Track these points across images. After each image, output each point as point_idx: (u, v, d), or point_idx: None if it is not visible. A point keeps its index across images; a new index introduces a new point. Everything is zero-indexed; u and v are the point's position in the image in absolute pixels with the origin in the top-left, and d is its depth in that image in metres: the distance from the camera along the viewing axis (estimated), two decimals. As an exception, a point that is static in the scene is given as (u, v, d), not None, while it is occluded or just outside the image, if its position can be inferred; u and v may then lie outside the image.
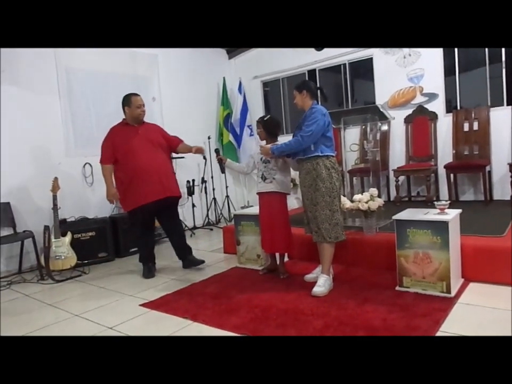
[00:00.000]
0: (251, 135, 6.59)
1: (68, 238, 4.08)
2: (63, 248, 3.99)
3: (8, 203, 4.17)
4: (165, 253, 4.64)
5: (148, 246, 3.89)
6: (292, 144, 2.96)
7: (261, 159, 3.34)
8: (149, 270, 3.79)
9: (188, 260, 3.89)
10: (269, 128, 3.34)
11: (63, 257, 3.96)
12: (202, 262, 3.84)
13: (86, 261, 4.24)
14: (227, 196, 6.51)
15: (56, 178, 4.12)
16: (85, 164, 4.88)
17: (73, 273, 3.99)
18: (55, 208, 4.04)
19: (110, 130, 3.71)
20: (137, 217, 3.69)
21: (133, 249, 4.75)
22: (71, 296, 3.41)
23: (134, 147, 3.55)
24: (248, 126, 6.57)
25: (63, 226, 4.19)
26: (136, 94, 3.69)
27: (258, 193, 3.39)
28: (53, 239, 3.98)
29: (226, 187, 6.46)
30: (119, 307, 3.04)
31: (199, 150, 3.73)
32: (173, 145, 3.81)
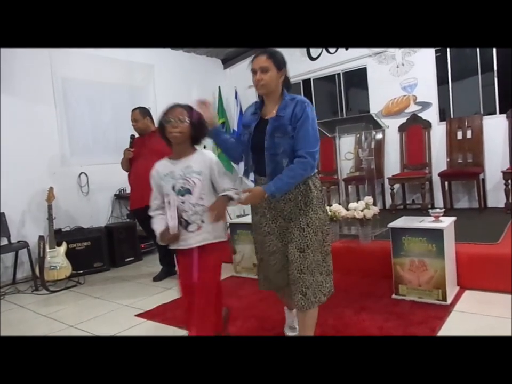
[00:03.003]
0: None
1: (63, 248, 4.06)
2: (58, 258, 3.97)
3: (3, 213, 4.15)
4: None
5: (159, 250, 4.10)
6: (300, 173, 1.91)
7: (174, 187, 1.97)
8: (160, 273, 4.00)
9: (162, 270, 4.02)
10: (201, 130, 2.02)
11: (58, 267, 3.94)
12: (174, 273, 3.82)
13: (81, 271, 4.21)
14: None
15: (51, 188, 4.11)
16: (81, 173, 4.87)
17: (68, 284, 3.97)
18: (50, 218, 4.02)
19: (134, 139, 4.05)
20: (138, 220, 4.21)
21: (128, 259, 4.75)
22: (66, 306, 3.39)
23: (136, 155, 3.83)
24: None
25: (58, 236, 4.17)
26: (133, 110, 3.93)
27: (177, 250, 2.05)
28: (47, 249, 3.96)
29: (222, 196, 6.46)
30: (114, 317, 3.02)
31: None
32: None
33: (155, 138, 3.76)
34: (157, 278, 3.94)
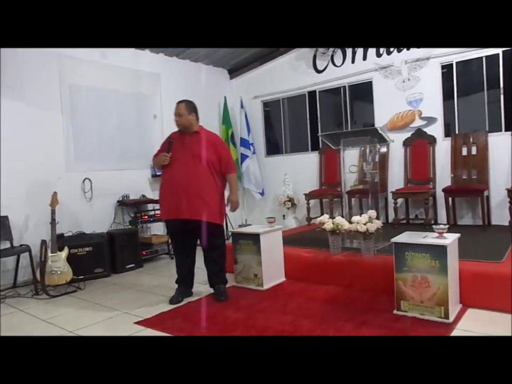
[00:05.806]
0: (254, 153, 6.68)
1: (64, 253, 4.05)
2: (59, 263, 3.96)
3: (6, 216, 4.16)
4: (162, 270, 4.62)
5: (180, 268, 3.51)
6: None
7: None
8: (176, 294, 3.46)
9: (215, 289, 3.51)
10: None
11: (59, 272, 3.93)
12: (226, 299, 3.40)
13: (82, 277, 4.20)
14: (225, 214, 6.50)
15: (55, 193, 4.12)
16: (85, 179, 4.89)
17: (68, 289, 3.96)
18: (53, 222, 4.03)
19: (170, 134, 3.57)
20: (168, 231, 3.66)
21: (129, 265, 4.73)
22: (66, 312, 3.37)
23: (175, 155, 3.34)
24: (251, 144, 6.66)
25: (60, 241, 4.17)
26: (179, 102, 3.45)
27: None
28: (49, 254, 3.95)
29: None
30: (113, 324, 3.01)
31: (234, 206, 3.73)
32: (222, 169, 3.44)
33: (198, 140, 3.37)
34: (174, 301, 3.41)
